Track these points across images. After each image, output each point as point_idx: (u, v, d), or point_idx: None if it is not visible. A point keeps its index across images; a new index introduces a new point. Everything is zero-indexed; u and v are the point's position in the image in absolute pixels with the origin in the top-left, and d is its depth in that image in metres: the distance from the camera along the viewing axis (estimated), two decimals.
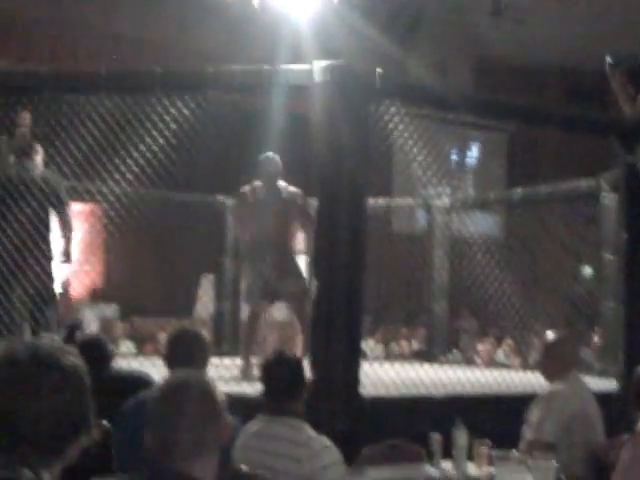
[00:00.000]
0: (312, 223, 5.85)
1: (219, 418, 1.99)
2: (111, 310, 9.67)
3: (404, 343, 10.42)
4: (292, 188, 6.62)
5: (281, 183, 6.62)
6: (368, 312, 4.95)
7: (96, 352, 4.47)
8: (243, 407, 3.05)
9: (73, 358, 1.59)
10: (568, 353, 4.21)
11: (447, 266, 8.29)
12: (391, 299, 10.26)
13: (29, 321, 5.92)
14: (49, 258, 6.08)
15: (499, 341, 9.52)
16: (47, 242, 6.08)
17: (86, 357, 4.43)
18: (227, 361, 6.42)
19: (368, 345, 8.65)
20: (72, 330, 6.80)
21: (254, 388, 4.36)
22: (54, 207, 6.10)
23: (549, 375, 4.15)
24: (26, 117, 6.62)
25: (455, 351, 9.39)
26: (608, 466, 3.50)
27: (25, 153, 6.17)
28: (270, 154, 6.65)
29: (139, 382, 3.98)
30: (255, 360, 6.10)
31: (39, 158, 6.25)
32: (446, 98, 5.33)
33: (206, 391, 2.00)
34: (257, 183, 6.67)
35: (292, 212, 6.54)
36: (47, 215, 6.06)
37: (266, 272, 6.45)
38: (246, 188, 6.70)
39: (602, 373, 6.30)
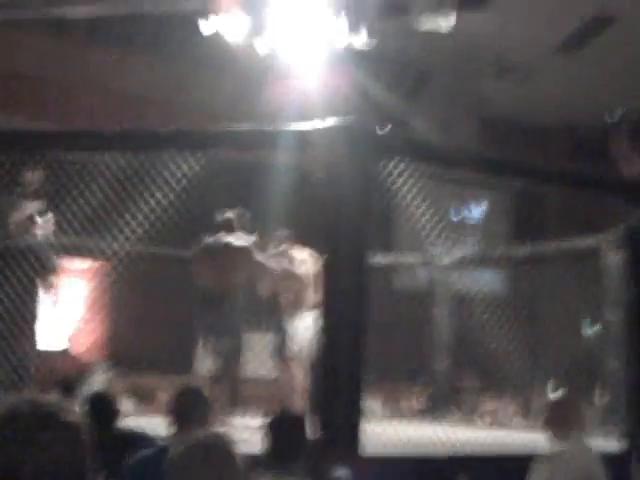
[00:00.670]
0: None
1: (238, 479, 1.97)
2: (111, 368, 9.63)
3: (406, 402, 10.34)
4: None
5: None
6: (369, 370, 4.96)
7: (104, 408, 4.49)
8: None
9: (72, 415, 1.61)
10: (572, 412, 4.19)
11: (449, 323, 8.28)
12: (392, 357, 10.22)
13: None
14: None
15: (500, 398, 9.44)
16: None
17: (94, 412, 4.45)
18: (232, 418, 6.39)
19: (369, 404, 8.60)
20: (69, 387, 6.82)
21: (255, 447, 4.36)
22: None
23: (552, 434, 4.12)
24: (36, 176, 6.71)
25: (457, 410, 9.31)
26: None
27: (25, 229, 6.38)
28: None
29: (142, 440, 3.98)
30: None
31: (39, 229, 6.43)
32: (453, 155, 5.39)
33: (227, 453, 1.98)
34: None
35: None
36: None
37: None
38: None
39: (606, 433, 6.25)
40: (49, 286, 6.42)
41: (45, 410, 1.58)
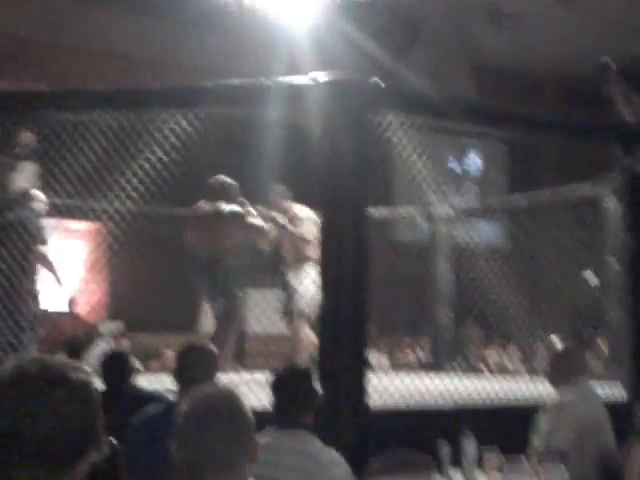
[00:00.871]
0: None
1: (249, 435, 1.95)
2: (116, 327, 9.67)
3: (409, 353, 10.39)
4: None
5: None
6: (372, 322, 4.96)
7: (120, 366, 4.50)
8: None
9: (82, 374, 1.59)
10: (576, 361, 4.19)
11: (451, 275, 8.28)
12: (394, 309, 10.24)
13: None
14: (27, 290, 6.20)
15: (504, 348, 9.50)
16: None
17: (110, 371, 4.45)
18: (232, 376, 6.41)
19: (373, 355, 8.63)
20: (77, 349, 6.87)
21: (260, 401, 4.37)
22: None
23: (557, 384, 4.13)
24: (28, 137, 6.67)
25: (460, 360, 9.36)
26: (619, 473, 3.49)
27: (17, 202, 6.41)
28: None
29: (156, 399, 3.96)
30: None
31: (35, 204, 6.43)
32: (445, 106, 5.33)
33: (236, 407, 1.96)
34: None
35: None
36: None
37: None
38: None
39: (609, 380, 6.27)
40: (41, 259, 6.45)
41: (53, 370, 1.55)
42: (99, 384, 4.85)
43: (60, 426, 1.52)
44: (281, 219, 6.91)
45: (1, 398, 1.53)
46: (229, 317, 6.61)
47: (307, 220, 6.83)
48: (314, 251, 6.57)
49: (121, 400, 3.88)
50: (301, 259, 6.82)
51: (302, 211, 6.94)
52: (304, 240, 6.75)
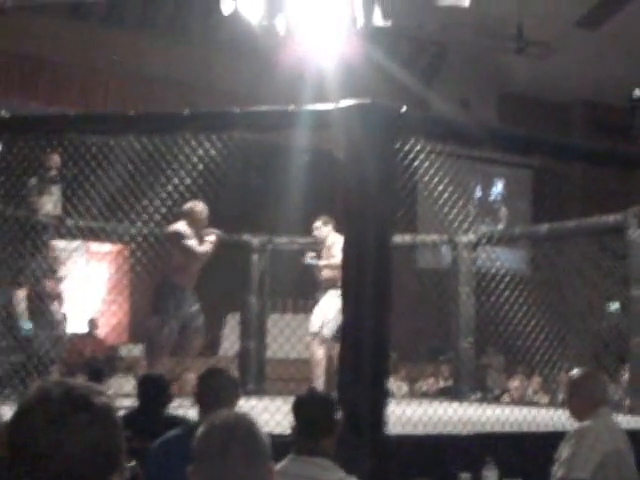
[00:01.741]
0: None
1: (264, 460, 1.97)
2: (137, 350, 9.69)
3: (430, 381, 10.33)
4: None
5: None
6: (393, 349, 4.95)
7: (158, 392, 4.53)
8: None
9: (105, 398, 1.60)
10: (595, 390, 4.14)
11: (473, 302, 8.24)
12: (416, 336, 10.21)
13: None
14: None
15: (528, 378, 9.41)
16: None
17: (146, 395, 4.45)
18: (253, 401, 6.41)
19: (394, 383, 8.60)
20: (97, 372, 6.92)
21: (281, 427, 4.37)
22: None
23: (577, 413, 4.09)
24: (55, 159, 6.77)
25: (482, 388, 9.29)
26: None
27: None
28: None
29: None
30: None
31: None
32: (471, 133, 5.34)
33: (252, 432, 1.98)
34: None
35: None
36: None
37: None
38: None
39: (632, 410, 6.22)
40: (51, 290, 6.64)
41: (77, 393, 1.56)
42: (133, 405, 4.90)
43: (83, 451, 1.53)
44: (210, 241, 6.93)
45: (24, 421, 1.54)
46: (154, 335, 6.71)
47: (338, 244, 6.88)
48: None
49: (159, 424, 3.89)
50: (332, 286, 6.84)
51: (335, 235, 6.97)
52: (334, 267, 6.77)
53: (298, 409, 3.17)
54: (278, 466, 3.05)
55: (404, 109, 4.82)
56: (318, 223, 7.16)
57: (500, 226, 8.79)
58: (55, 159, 6.81)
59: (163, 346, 6.79)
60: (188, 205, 6.72)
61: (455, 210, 7.09)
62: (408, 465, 4.34)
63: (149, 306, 7.01)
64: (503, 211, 8.24)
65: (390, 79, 10.54)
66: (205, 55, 11.01)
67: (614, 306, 9.47)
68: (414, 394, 9.65)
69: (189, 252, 6.73)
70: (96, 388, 1.62)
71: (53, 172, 6.96)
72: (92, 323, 9.65)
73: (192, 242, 6.73)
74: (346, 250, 4.89)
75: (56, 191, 7.10)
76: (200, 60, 11.00)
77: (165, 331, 6.71)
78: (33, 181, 6.99)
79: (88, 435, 1.53)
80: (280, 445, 3.05)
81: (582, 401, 4.04)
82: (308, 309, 7.36)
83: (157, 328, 6.69)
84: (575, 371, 4.16)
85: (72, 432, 1.52)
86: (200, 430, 1.98)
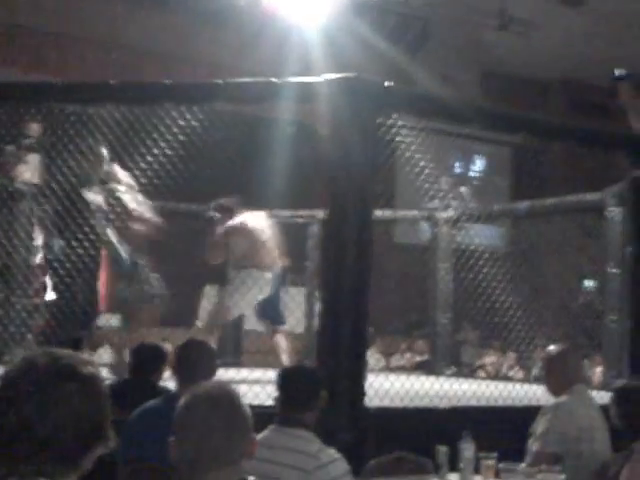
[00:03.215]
0: None
1: (246, 432, 1.99)
2: (114, 320, 9.65)
3: (408, 355, 10.41)
4: None
5: None
6: (370, 323, 5.00)
7: (148, 362, 4.52)
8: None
9: (91, 368, 1.60)
10: (571, 366, 4.20)
11: (451, 278, 8.29)
12: (394, 310, 10.26)
13: None
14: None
15: (503, 353, 9.51)
16: None
17: (142, 366, 4.43)
18: (231, 372, 6.43)
19: (371, 357, 8.65)
20: (76, 341, 6.90)
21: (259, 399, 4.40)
22: None
23: (554, 389, 4.14)
24: (34, 127, 6.71)
25: (458, 363, 9.36)
26: (614, 478, 3.51)
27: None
28: None
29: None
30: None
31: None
32: (453, 110, 5.35)
33: (234, 404, 1.99)
34: None
35: None
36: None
37: None
38: None
39: (605, 386, 6.29)
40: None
41: (63, 363, 1.57)
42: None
43: (69, 420, 1.53)
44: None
45: (10, 390, 1.54)
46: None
47: (261, 225, 6.89)
48: (265, 257, 6.69)
49: (148, 396, 3.88)
50: (247, 261, 6.86)
51: (257, 216, 6.98)
52: (253, 242, 6.81)
53: (284, 381, 3.19)
54: (259, 436, 3.07)
55: (388, 84, 4.82)
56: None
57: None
58: (34, 127, 6.75)
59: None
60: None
61: (434, 186, 7.11)
62: (386, 438, 4.38)
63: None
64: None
65: (374, 53, 10.48)
66: (188, 26, 10.91)
67: (589, 284, 9.56)
68: (390, 368, 9.71)
69: None
70: (83, 358, 1.62)
71: (32, 140, 6.89)
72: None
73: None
74: (327, 224, 4.90)
75: (34, 159, 7.04)
76: (182, 31, 10.89)
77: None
78: (10, 148, 6.93)
79: (73, 404, 1.54)
80: (258, 416, 3.08)
81: (559, 377, 4.09)
82: (287, 282, 7.36)
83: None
84: (553, 347, 4.21)
85: (57, 401, 1.53)
86: (182, 401, 2.00)
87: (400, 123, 5.38)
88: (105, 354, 8.09)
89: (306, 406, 3.12)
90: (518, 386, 6.16)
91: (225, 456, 1.92)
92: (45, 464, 1.52)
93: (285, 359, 6.47)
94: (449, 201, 8.39)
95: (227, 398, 1.99)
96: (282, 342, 6.69)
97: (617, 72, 5.96)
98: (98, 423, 1.58)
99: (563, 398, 4.03)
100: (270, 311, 6.79)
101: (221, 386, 2.08)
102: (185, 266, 7.61)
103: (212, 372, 3.68)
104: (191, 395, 2.00)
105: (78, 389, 1.55)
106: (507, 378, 8.48)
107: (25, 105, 5.81)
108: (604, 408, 4.07)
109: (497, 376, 8.72)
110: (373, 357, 9.33)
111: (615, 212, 6.56)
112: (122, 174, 6.45)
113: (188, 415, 1.96)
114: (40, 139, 6.87)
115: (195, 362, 3.64)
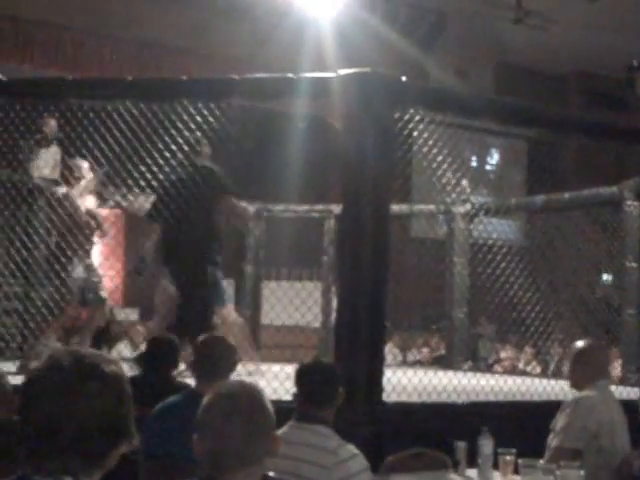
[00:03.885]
0: None
1: (268, 431, 1.99)
2: (133, 314, 9.71)
3: (425, 350, 10.39)
4: None
5: None
6: (388, 318, 4.98)
7: (167, 355, 4.52)
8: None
9: (115, 367, 1.61)
10: (597, 362, 4.17)
11: (467, 272, 8.27)
12: (411, 305, 10.24)
13: None
14: None
15: (520, 348, 9.48)
16: None
17: (154, 360, 4.41)
18: (250, 366, 6.44)
19: (388, 352, 8.64)
20: (96, 338, 6.92)
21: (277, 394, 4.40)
22: None
23: (577, 383, 4.12)
24: (52, 124, 6.72)
25: (473, 358, 9.34)
26: (633, 474, 3.49)
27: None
28: None
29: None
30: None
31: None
32: (470, 104, 5.33)
33: (256, 402, 2.00)
34: None
35: None
36: None
37: None
38: None
39: (625, 381, 6.27)
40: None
41: (87, 362, 1.58)
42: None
43: (93, 419, 1.54)
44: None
45: (36, 390, 1.55)
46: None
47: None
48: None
49: (166, 391, 3.88)
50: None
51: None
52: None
53: (302, 377, 3.20)
54: (278, 432, 3.08)
55: (404, 79, 4.80)
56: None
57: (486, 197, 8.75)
58: (52, 124, 6.77)
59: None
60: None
61: (451, 180, 7.09)
62: (404, 433, 4.38)
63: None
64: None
65: (388, 47, 10.47)
66: (203, 21, 10.92)
67: (607, 278, 9.51)
68: (407, 363, 9.70)
69: None
70: (106, 357, 1.63)
71: (50, 137, 6.92)
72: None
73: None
74: (343, 219, 4.90)
75: (52, 155, 7.07)
76: (199, 25, 10.90)
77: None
78: (29, 145, 6.96)
79: (98, 403, 1.55)
80: (277, 412, 3.09)
81: (584, 371, 4.06)
82: (304, 277, 7.36)
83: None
84: (580, 341, 4.18)
85: (82, 400, 1.54)
86: (205, 399, 2.00)
87: (417, 118, 5.35)
88: (125, 349, 8.14)
89: (325, 402, 3.12)
90: (536, 381, 6.14)
91: (247, 455, 1.92)
92: (70, 462, 1.54)
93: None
94: (467, 196, 8.35)
95: (249, 397, 2.00)
96: None
97: (635, 63, 5.92)
98: (122, 421, 1.59)
99: (584, 393, 4.01)
100: None
101: (244, 385, 2.08)
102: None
103: (232, 368, 3.69)
104: (214, 393, 2.01)
105: (102, 388, 1.56)
106: (524, 373, 8.45)
107: (43, 102, 5.83)
108: (624, 403, 4.06)
109: (514, 371, 8.68)
110: (391, 352, 9.32)
111: (633, 206, 6.52)
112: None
113: (210, 414, 1.96)
114: (58, 135, 6.90)
115: (215, 359, 3.64)
